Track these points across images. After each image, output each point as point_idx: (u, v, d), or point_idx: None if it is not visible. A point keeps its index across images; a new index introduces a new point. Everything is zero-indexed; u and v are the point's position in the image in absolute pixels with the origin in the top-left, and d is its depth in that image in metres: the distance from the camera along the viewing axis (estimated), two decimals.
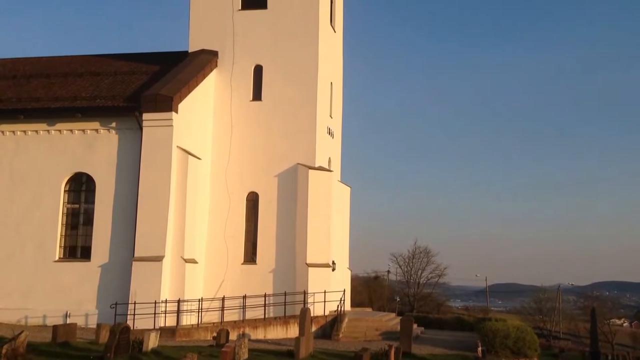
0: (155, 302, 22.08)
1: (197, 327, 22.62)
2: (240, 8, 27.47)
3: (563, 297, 73.41)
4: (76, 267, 23.90)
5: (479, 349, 21.46)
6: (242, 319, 24.10)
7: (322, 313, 24.61)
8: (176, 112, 23.60)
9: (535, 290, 73.84)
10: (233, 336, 20.94)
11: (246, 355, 16.70)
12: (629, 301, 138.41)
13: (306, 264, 25.00)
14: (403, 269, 65.96)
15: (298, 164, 25.94)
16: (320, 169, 26.26)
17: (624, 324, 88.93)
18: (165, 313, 22.30)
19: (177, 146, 23.58)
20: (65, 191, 24.75)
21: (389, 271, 70.23)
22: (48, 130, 24.79)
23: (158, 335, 17.45)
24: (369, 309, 37.08)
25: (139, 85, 25.64)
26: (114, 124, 24.30)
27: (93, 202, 24.27)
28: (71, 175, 24.70)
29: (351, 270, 32.40)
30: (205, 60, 26.66)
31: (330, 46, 29.16)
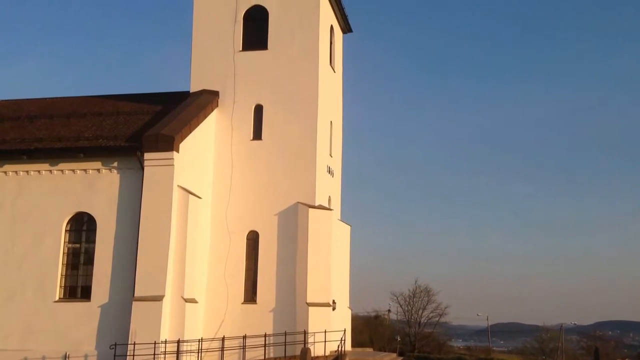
0: (155, 343, 21.93)
1: None
2: (241, 49, 27.95)
3: (566, 337, 72.78)
4: (76, 307, 23.82)
5: None
6: (242, 359, 23.88)
7: (323, 353, 24.37)
8: (177, 151, 23.81)
9: (537, 330, 73.28)
10: None
11: None
12: (633, 341, 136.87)
13: (306, 303, 24.91)
14: (404, 308, 65.48)
15: (298, 202, 26.06)
16: (320, 207, 26.37)
17: None
18: (165, 353, 22.12)
19: (178, 185, 23.73)
20: (66, 231, 24.82)
21: (389, 310, 69.71)
22: (50, 170, 24.99)
23: None
24: (369, 349, 36.75)
25: (141, 125, 25.93)
26: (115, 164, 24.51)
27: (94, 242, 24.32)
28: (72, 214, 24.80)
29: (351, 310, 32.24)
30: (206, 100, 27.02)
31: (330, 86, 29.59)
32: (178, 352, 22.22)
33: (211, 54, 28.02)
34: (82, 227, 24.92)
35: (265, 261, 25.96)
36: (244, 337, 24.09)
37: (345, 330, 26.48)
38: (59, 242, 24.52)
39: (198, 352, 23.03)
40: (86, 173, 24.72)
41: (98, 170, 24.63)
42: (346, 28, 32.85)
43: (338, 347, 24.85)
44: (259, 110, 27.35)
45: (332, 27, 30.45)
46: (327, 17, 29.42)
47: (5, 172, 25.33)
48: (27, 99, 31.14)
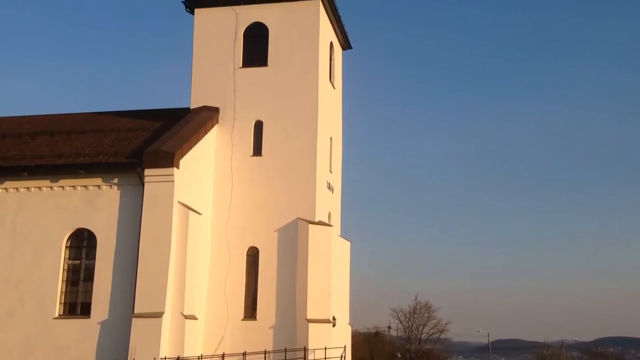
0: (154, 359, 21.85)
1: None
2: (241, 66, 28.13)
3: (567, 354, 72.51)
4: (76, 324, 23.75)
5: None
6: None
7: None
8: (177, 167, 23.87)
9: (538, 346, 73.04)
10: None
11: None
12: (634, 358, 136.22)
13: (306, 319, 24.84)
14: (404, 325, 65.39)
15: (298, 218, 26.08)
16: (320, 223, 26.38)
17: None
18: None
19: (178, 201, 23.76)
20: (66, 247, 24.82)
21: (389, 327, 69.57)
22: (51, 187, 25.03)
23: None
24: None
25: (142, 141, 26.02)
26: (116, 180, 24.56)
27: (94, 258, 24.31)
28: (73, 231, 24.80)
29: (352, 326, 32.14)
30: (206, 117, 27.13)
31: (330, 102, 29.73)
32: None
33: (212, 71, 28.19)
34: (82, 243, 24.92)
35: (265, 277, 25.92)
36: (244, 354, 23.97)
37: (345, 347, 26.39)
38: (59, 259, 24.50)
39: None
40: (86, 189, 24.76)
41: (98, 186, 24.67)
42: (346, 44, 33.09)
43: None
44: (259, 126, 27.46)
45: (331, 44, 30.67)
46: (327, 34, 29.64)
47: (5, 189, 25.38)
48: (29, 116, 31.26)
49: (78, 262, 24.77)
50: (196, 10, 29.06)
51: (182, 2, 29.09)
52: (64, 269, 24.60)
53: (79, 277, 24.66)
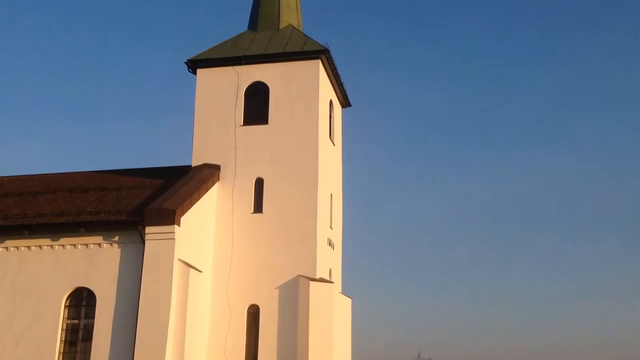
0: None
1: None
2: (242, 124, 28.51)
3: None
4: None
5: None
6: None
7: None
8: (178, 225, 23.92)
9: None
10: None
11: None
12: None
13: None
14: None
15: (299, 275, 25.97)
16: (321, 280, 26.26)
17: None
18: None
19: (179, 259, 23.72)
20: (65, 306, 24.62)
21: None
22: (52, 246, 25.03)
23: None
24: None
25: (143, 199, 26.17)
26: (117, 238, 24.56)
27: (93, 317, 24.07)
28: (72, 290, 24.66)
29: None
30: (207, 174, 27.36)
31: (330, 159, 30.00)
32: None
33: (213, 129, 28.57)
34: (81, 302, 24.73)
35: (266, 336, 25.63)
36: None
37: None
38: (57, 319, 24.26)
39: None
40: (87, 248, 24.74)
41: (99, 244, 24.66)
42: (345, 102, 33.61)
43: None
44: (259, 183, 27.65)
45: (331, 102, 31.16)
46: (327, 92, 30.16)
47: (6, 248, 25.37)
48: (32, 175, 31.54)
49: (77, 321, 24.53)
50: (199, 71, 29.64)
51: (185, 63, 29.72)
52: (62, 329, 24.35)
53: (78, 337, 24.37)
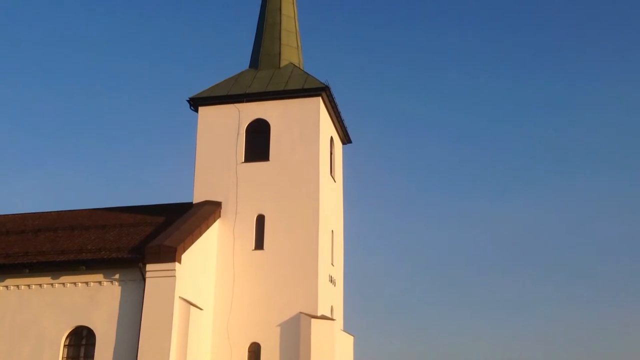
0: None
1: None
2: (243, 161, 28.66)
3: None
4: None
5: None
6: None
7: None
8: (179, 262, 23.85)
9: None
10: None
11: None
12: None
13: None
14: None
15: (300, 313, 25.79)
16: (323, 317, 26.06)
17: None
18: None
19: (180, 297, 23.58)
20: (65, 346, 24.37)
21: None
22: (52, 284, 24.90)
23: None
24: None
25: (144, 236, 26.14)
26: (117, 276, 24.46)
27: (93, 357, 23.81)
28: (72, 329, 24.45)
29: None
30: (208, 211, 27.38)
31: (331, 195, 30.06)
32: None
33: (214, 166, 28.70)
34: (81, 341, 24.49)
35: None
36: None
37: None
38: (56, 358, 24.00)
39: None
40: (87, 286, 24.61)
41: (99, 282, 24.55)
42: (346, 139, 33.82)
43: None
44: (260, 220, 27.65)
45: (332, 139, 31.36)
46: (327, 129, 30.37)
47: (6, 287, 25.24)
48: (33, 213, 31.57)
49: None
50: (200, 108, 29.93)
51: (187, 101, 30.01)
52: None
53: None
